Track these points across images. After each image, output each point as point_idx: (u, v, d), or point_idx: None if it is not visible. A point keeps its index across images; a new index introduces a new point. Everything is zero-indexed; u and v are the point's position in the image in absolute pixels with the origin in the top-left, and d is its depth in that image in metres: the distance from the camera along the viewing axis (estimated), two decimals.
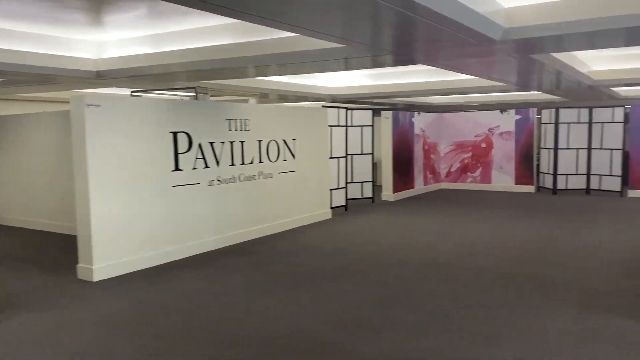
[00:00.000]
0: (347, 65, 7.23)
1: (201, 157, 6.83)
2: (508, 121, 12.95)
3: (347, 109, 10.37)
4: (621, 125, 11.67)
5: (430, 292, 5.19)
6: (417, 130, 12.58)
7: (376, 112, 11.99)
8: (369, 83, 11.54)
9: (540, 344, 3.90)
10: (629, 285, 5.25)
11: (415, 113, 12.61)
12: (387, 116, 11.64)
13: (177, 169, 6.52)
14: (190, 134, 6.69)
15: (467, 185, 13.52)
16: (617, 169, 11.70)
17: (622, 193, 11.61)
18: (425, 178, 13.08)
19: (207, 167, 6.91)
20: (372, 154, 11.18)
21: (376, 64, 7.10)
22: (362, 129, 11.02)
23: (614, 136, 11.74)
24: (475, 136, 13.34)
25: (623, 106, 11.79)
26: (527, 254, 6.62)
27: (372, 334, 4.14)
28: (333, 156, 9.79)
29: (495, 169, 13.17)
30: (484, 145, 13.26)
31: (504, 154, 13.02)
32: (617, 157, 11.69)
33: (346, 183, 10.24)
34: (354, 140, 10.84)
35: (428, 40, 5.00)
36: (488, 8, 4.17)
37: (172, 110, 6.52)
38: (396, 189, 11.77)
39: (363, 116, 11.05)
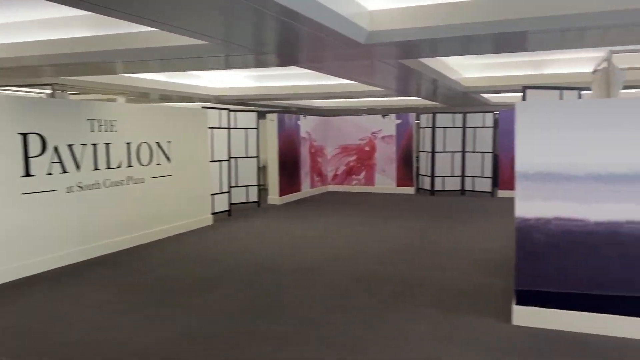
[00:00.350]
0: (228, 64, 6.94)
1: (58, 161, 6.18)
2: (389, 125, 13.35)
3: (229, 110, 10.05)
4: (491, 129, 12.46)
5: (299, 299, 5.05)
6: (303, 134, 12.56)
7: (261, 115, 11.78)
8: (254, 84, 11.32)
9: (405, 348, 3.90)
10: (491, 284, 5.48)
11: (301, 116, 12.59)
12: (272, 119, 11.49)
13: (27, 174, 5.84)
14: (44, 135, 6.02)
15: (353, 187, 13.74)
16: (488, 171, 12.49)
17: (492, 193, 12.42)
18: (312, 181, 13.10)
19: (65, 172, 6.27)
20: (257, 157, 10.95)
21: (260, 63, 6.88)
22: (246, 132, 10.75)
23: (485, 140, 12.51)
24: (360, 140, 13.61)
25: (493, 112, 12.62)
26: (400, 256, 6.75)
27: (232, 348, 3.90)
28: (215, 159, 9.43)
29: (378, 172, 13.51)
30: (367, 148, 13.56)
31: (386, 157, 13.40)
32: (488, 159, 12.48)
33: (229, 187, 9.93)
34: (238, 143, 10.54)
35: (296, 41, 4.88)
36: (352, 11, 4.12)
37: (21, 109, 5.82)
38: (282, 192, 11.65)
39: (247, 118, 10.78)
